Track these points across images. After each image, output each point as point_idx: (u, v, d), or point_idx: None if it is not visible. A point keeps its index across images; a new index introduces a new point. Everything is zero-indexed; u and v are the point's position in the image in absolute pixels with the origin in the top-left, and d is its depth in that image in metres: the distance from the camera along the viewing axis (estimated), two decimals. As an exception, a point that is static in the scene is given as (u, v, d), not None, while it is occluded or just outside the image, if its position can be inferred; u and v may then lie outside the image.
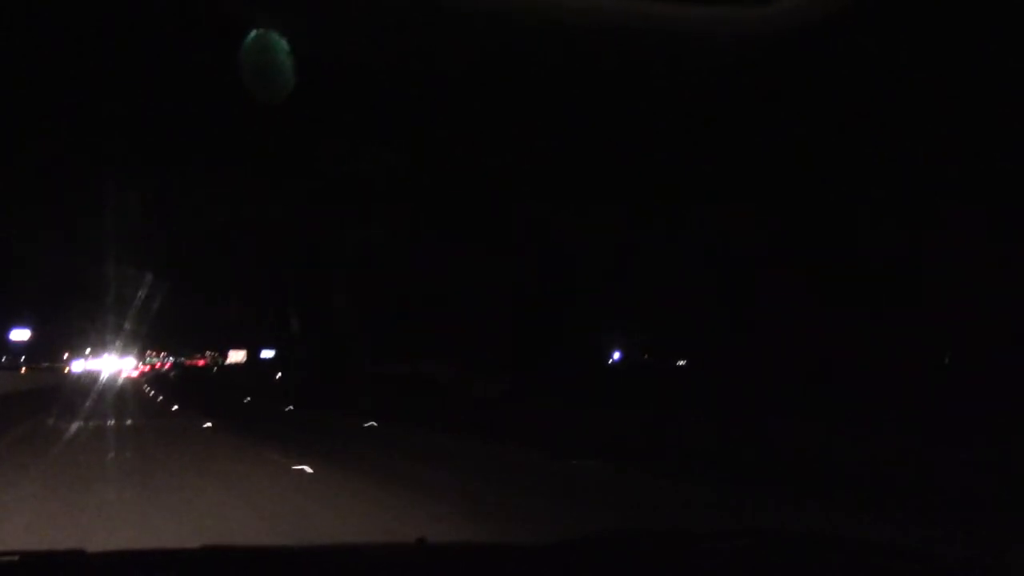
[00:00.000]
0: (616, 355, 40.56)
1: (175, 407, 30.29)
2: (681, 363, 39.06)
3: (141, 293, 42.82)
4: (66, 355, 75.20)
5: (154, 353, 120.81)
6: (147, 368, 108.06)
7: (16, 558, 2.29)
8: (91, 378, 46.28)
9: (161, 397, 38.53)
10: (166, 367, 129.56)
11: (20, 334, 62.25)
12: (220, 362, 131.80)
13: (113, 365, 60.57)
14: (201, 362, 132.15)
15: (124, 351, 66.23)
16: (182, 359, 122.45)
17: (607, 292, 34.56)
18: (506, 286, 36.96)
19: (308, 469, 12.17)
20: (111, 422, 22.11)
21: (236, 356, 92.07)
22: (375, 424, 21.55)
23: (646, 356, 42.56)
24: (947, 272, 20.18)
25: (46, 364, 77.24)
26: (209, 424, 21.38)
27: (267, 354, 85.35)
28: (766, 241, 25.83)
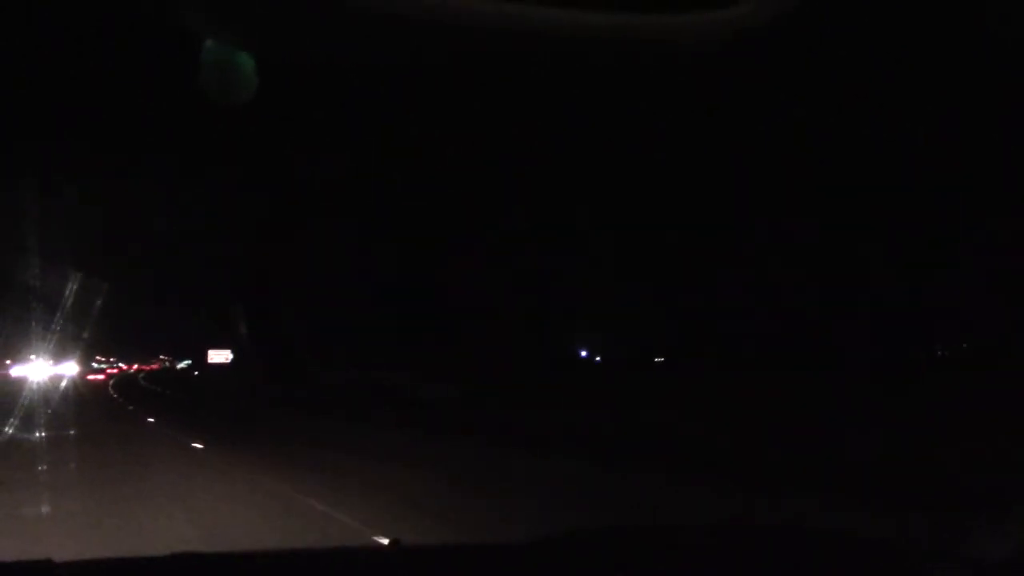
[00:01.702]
0: (583, 353, 40.55)
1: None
2: (659, 359, 39.26)
3: (98, 301, 42.21)
4: (8, 361, 72.51)
5: (103, 359, 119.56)
6: (106, 373, 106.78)
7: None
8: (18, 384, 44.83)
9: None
10: (131, 369, 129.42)
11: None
12: (169, 367, 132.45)
13: (50, 369, 57.61)
14: (154, 366, 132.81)
15: (67, 356, 64.28)
16: (133, 365, 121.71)
17: (575, 292, 34.64)
18: (465, 292, 36.96)
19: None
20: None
21: (219, 356, 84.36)
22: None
23: (622, 354, 42.67)
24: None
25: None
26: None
27: (218, 358, 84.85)
28: (747, 239, 26.02)
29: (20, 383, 41.99)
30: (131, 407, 31.77)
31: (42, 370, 49.64)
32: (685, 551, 2.63)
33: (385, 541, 5.42)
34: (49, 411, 22.67)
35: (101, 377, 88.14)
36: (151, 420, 24.10)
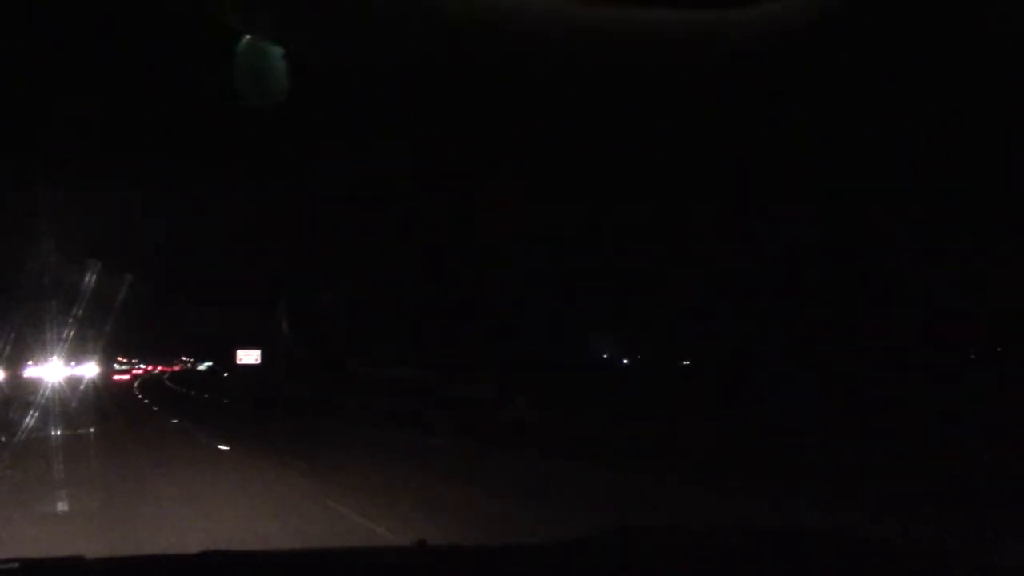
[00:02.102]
0: (604, 356, 40.25)
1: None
2: (685, 363, 38.97)
3: (120, 295, 41.72)
4: (30, 361, 70.99)
5: (124, 360, 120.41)
6: (131, 373, 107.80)
7: (16, 565, 2.29)
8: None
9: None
10: (155, 370, 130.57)
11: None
12: (190, 368, 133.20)
13: (68, 370, 55.06)
14: (176, 367, 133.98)
15: (87, 356, 62.70)
16: (155, 366, 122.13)
17: (604, 294, 34.54)
18: (502, 291, 36.94)
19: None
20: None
21: (248, 357, 79.28)
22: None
23: (638, 356, 42.34)
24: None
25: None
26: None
27: (247, 358, 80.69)
28: (773, 243, 25.85)
29: (35, 385, 40.04)
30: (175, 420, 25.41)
31: (58, 371, 47.22)
32: (731, 554, 2.63)
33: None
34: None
35: (127, 377, 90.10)
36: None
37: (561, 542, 2.74)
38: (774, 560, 2.57)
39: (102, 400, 33.67)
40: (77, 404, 26.64)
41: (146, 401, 39.38)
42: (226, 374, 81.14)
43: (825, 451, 12.85)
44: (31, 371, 53.91)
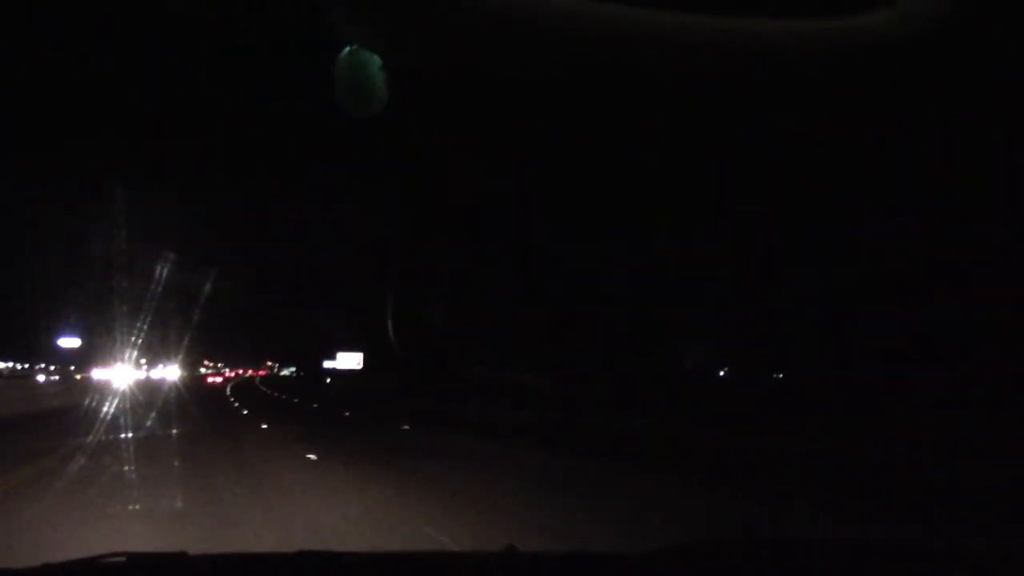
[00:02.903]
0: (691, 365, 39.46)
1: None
2: (778, 376, 38.21)
3: (205, 289, 41.25)
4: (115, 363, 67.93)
5: (210, 364, 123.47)
6: (224, 376, 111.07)
7: (123, 559, 2.37)
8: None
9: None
10: (247, 374, 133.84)
11: (69, 341, 57.61)
12: (276, 372, 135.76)
13: (139, 374, 52.87)
14: (262, 372, 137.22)
15: (170, 359, 61.64)
16: (239, 370, 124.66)
17: (703, 302, 34.11)
18: (607, 295, 36.70)
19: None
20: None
21: (349, 361, 71.72)
22: None
23: (725, 369, 41.63)
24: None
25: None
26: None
27: (348, 362, 77.21)
28: (865, 255, 25.22)
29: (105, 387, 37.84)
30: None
31: (127, 375, 43.52)
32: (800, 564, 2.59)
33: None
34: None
35: (219, 380, 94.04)
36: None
37: (653, 551, 2.72)
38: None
39: (188, 412, 28.17)
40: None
41: (245, 412, 33.63)
42: (328, 380, 75.87)
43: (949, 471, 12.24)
44: (100, 373, 50.30)
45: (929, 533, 8.28)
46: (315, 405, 41.16)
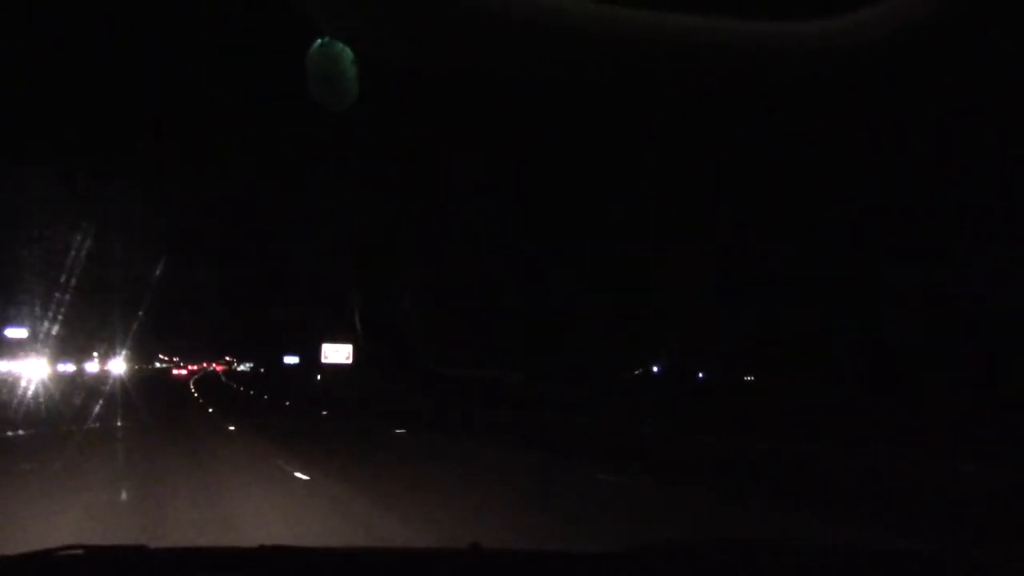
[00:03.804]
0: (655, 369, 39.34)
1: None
2: (749, 379, 38.39)
3: (156, 273, 39.16)
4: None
5: (166, 358, 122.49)
6: (188, 369, 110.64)
7: (80, 551, 2.34)
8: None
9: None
10: (211, 368, 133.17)
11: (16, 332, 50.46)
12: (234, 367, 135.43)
13: (51, 368, 46.32)
14: (221, 367, 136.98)
15: (114, 354, 57.25)
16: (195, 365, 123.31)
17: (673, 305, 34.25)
18: (580, 295, 36.77)
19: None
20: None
21: (337, 355, 61.67)
22: None
23: (700, 375, 41.67)
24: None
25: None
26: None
27: (291, 360, 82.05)
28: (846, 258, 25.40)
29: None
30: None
31: (39, 369, 38.73)
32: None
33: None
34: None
35: (185, 373, 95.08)
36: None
37: (615, 552, 2.73)
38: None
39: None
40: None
41: (210, 409, 32.03)
42: (319, 376, 68.87)
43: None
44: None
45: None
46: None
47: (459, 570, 2.58)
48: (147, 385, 52.58)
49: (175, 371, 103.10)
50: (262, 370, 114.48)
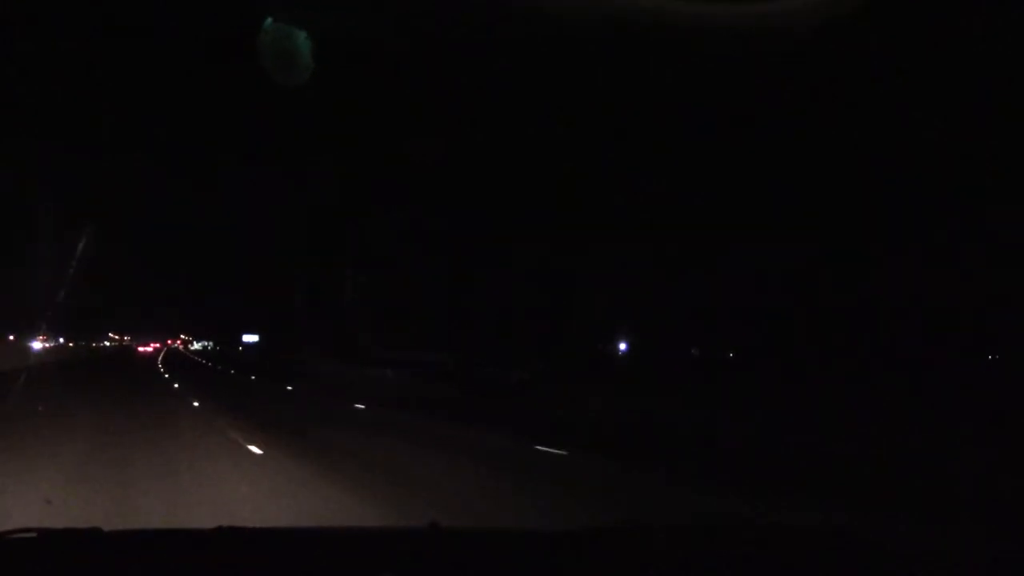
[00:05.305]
0: (622, 346, 39.64)
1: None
2: (731, 355, 38.90)
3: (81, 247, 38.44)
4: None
5: (116, 336, 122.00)
6: (152, 346, 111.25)
7: (34, 535, 2.31)
8: None
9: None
10: (174, 344, 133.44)
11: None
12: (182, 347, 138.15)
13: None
14: (178, 343, 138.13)
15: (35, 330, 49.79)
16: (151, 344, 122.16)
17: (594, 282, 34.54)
18: (519, 280, 37.02)
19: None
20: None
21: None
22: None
23: (695, 351, 41.98)
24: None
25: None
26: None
27: (250, 339, 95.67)
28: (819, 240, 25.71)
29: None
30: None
31: None
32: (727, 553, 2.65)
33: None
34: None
35: (150, 350, 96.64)
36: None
37: (573, 531, 2.76)
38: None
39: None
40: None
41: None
42: (240, 348, 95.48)
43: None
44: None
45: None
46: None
47: (419, 549, 2.59)
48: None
49: (140, 348, 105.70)
50: (218, 348, 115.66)
